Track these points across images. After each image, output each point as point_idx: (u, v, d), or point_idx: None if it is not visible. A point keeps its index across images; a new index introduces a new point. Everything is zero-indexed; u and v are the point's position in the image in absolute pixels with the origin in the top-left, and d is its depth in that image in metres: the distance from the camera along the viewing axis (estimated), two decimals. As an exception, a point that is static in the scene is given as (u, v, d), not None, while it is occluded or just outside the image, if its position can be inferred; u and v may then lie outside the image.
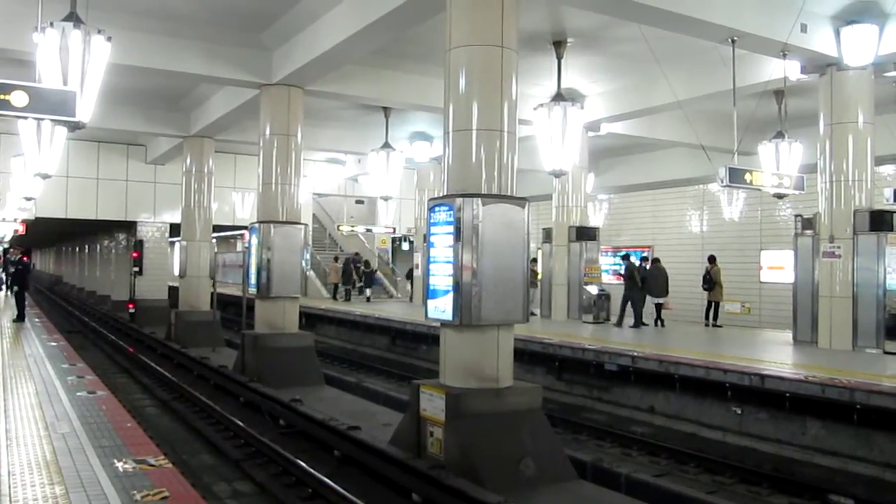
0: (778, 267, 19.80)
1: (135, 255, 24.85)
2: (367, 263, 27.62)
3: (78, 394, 8.36)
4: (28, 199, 19.26)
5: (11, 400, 7.88)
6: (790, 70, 12.30)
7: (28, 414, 7.23)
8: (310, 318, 21.41)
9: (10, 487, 4.87)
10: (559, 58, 13.31)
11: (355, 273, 25.99)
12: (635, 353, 11.74)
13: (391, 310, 21.47)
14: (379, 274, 30.06)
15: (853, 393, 8.72)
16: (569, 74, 13.99)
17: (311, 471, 7.53)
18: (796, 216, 13.80)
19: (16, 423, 6.77)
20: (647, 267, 17.85)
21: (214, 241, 20.48)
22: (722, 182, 11.55)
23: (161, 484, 4.99)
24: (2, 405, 7.58)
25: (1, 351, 11.80)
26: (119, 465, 5.47)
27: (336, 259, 26.94)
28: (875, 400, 8.53)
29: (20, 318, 16.90)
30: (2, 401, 7.80)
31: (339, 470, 7.89)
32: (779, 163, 13.63)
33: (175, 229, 22.70)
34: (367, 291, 26.14)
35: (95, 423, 6.88)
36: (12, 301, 17.59)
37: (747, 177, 11.69)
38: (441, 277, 7.50)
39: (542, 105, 13.37)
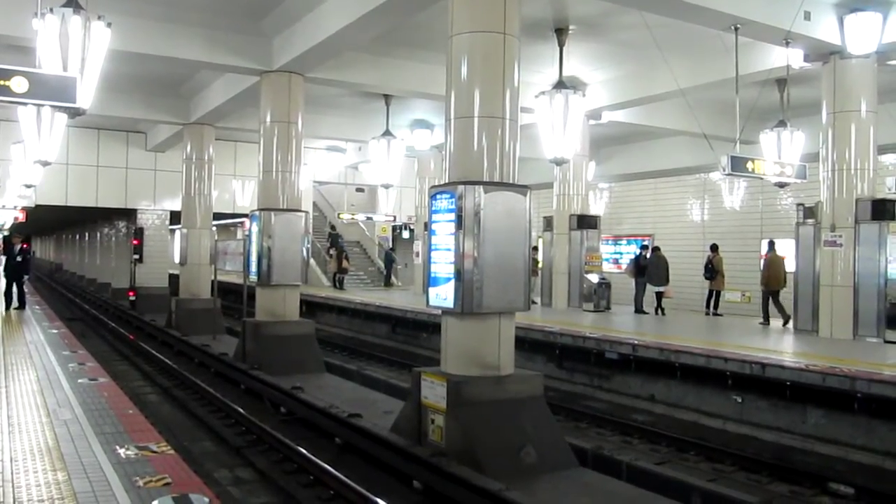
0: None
1: (135, 242, 24.84)
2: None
3: (79, 381, 8.36)
4: (28, 186, 19.25)
5: (13, 386, 7.88)
6: (793, 58, 12.25)
7: (30, 401, 7.23)
8: (310, 306, 21.41)
9: (12, 474, 4.88)
10: (561, 45, 13.26)
11: (346, 259, 26.02)
12: (636, 342, 11.76)
13: (390, 297, 21.48)
14: (378, 261, 30.29)
15: (854, 382, 8.74)
16: (570, 62, 13.95)
17: (312, 458, 7.54)
18: (798, 205, 13.79)
19: (17, 410, 6.78)
20: (648, 255, 17.86)
21: (215, 228, 20.45)
22: (724, 170, 11.53)
23: (163, 470, 5.00)
24: (3, 392, 7.59)
25: (1, 338, 11.81)
26: (121, 451, 5.47)
27: (339, 248, 26.98)
28: (875, 389, 8.55)
29: (21, 305, 16.86)
30: (3, 387, 7.81)
31: (339, 457, 7.91)
32: (780, 151, 13.59)
33: (175, 217, 22.68)
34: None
35: (97, 410, 6.89)
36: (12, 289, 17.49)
37: (749, 165, 11.67)
38: (442, 265, 7.50)
39: (543, 93, 13.32)
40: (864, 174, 12.20)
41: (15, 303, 16.95)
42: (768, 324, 15.02)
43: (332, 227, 28.74)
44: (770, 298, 15.30)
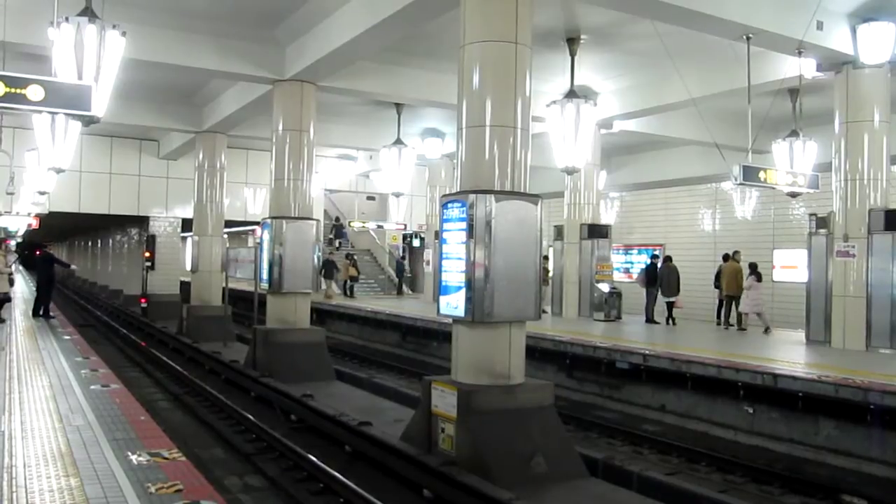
0: (791, 266, 19.67)
1: (147, 254, 24.96)
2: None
3: (91, 387, 8.41)
4: (42, 193, 19.35)
5: (26, 392, 7.93)
6: (805, 68, 12.22)
7: (42, 406, 7.27)
8: (321, 314, 21.43)
9: (25, 479, 4.91)
10: (572, 54, 13.27)
11: (354, 267, 25.95)
12: (647, 352, 11.72)
13: (400, 306, 21.48)
14: (388, 269, 30.39)
15: (867, 393, 8.67)
16: (582, 71, 13.96)
17: (323, 466, 7.55)
18: (810, 215, 13.72)
19: (30, 416, 6.82)
20: (659, 265, 17.81)
21: (226, 236, 20.53)
22: (736, 180, 11.49)
23: (175, 477, 5.02)
24: (17, 397, 7.63)
25: (16, 344, 11.88)
26: (133, 457, 5.50)
27: (348, 256, 27.00)
28: (889, 400, 8.48)
29: (35, 312, 16.84)
30: (17, 393, 7.86)
31: (350, 465, 7.90)
32: (793, 161, 13.52)
33: (187, 224, 22.79)
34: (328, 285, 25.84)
35: (109, 416, 6.92)
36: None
37: (761, 175, 11.63)
38: (453, 274, 7.50)
39: (555, 102, 13.35)
40: (878, 184, 12.15)
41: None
42: (727, 328, 16.24)
43: (337, 220, 29.10)
44: (727, 303, 16.59)
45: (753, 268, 15.88)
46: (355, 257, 27.11)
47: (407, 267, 29.28)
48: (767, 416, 9.91)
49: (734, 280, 16.30)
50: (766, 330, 15.34)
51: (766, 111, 13.19)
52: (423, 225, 25.98)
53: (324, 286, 24.16)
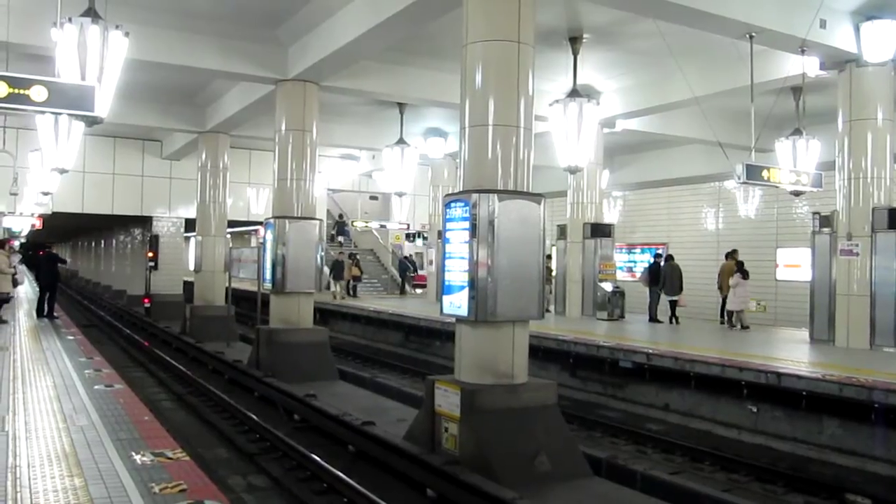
0: (794, 265, 19.65)
1: (150, 254, 24.99)
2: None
3: (95, 387, 8.42)
4: (45, 193, 19.39)
5: (30, 393, 7.95)
6: (808, 66, 12.21)
7: (46, 407, 7.29)
8: (323, 314, 21.43)
9: (30, 479, 4.91)
10: (575, 53, 13.26)
11: (357, 266, 25.88)
12: (650, 351, 11.71)
13: (403, 305, 21.48)
14: (391, 269, 30.41)
15: (871, 392, 8.66)
16: (584, 70, 13.95)
17: (326, 465, 7.55)
18: (814, 214, 13.70)
19: (34, 416, 6.83)
20: (662, 264, 17.79)
21: (229, 236, 20.56)
22: (739, 179, 11.46)
23: (179, 477, 5.02)
24: (21, 398, 7.65)
25: (20, 345, 11.91)
26: (137, 457, 5.50)
27: (351, 256, 27.00)
28: (893, 399, 8.46)
29: (39, 313, 16.86)
30: (21, 393, 7.87)
31: (353, 465, 7.90)
32: (796, 160, 13.49)
33: (190, 224, 22.81)
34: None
35: (113, 416, 6.93)
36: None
37: (764, 174, 11.60)
38: (456, 273, 7.50)
39: (557, 101, 13.34)
40: (881, 183, 12.13)
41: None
42: (730, 327, 16.00)
43: (340, 217, 29.21)
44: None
45: (740, 265, 15.90)
46: (357, 257, 27.10)
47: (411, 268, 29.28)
48: (771, 415, 9.90)
49: (726, 280, 16.35)
50: (743, 327, 15.51)
51: (769, 110, 13.17)
52: (426, 224, 25.98)
53: (333, 287, 24.15)
